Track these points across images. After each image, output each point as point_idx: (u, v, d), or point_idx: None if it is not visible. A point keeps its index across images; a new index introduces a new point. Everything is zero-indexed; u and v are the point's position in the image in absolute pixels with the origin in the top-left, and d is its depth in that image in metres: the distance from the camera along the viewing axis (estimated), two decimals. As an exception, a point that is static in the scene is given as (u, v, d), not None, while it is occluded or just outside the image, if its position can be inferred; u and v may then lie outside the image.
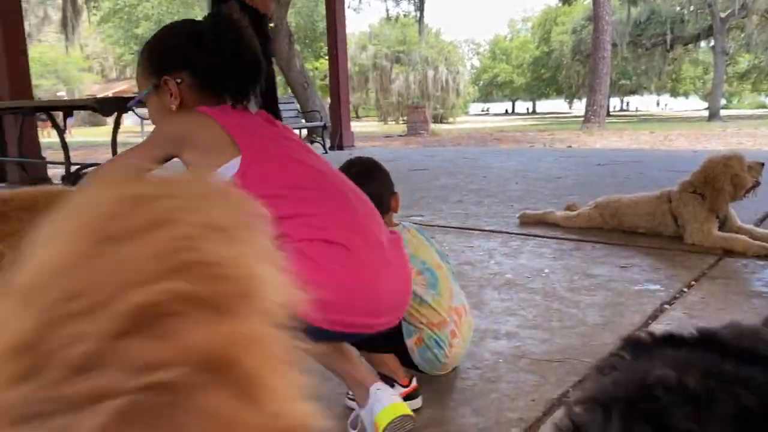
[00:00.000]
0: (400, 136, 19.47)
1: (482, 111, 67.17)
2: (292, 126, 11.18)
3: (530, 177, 6.46)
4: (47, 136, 14.03)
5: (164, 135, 1.49)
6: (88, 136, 21.39)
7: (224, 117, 1.48)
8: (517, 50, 52.82)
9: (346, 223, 1.41)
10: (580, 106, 36.00)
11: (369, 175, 1.82)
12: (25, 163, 6.55)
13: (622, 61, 32.87)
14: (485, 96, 61.13)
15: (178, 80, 1.49)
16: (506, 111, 64.78)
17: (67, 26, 19.18)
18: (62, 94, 25.46)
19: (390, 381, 1.71)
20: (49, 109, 4.75)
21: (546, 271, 3.02)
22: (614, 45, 24.92)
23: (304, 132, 11.65)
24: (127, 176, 0.40)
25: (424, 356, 1.71)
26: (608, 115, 28.66)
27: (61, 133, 4.74)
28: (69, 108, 4.74)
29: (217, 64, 1.49)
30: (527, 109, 63.43)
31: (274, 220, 1.02)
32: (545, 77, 47.50)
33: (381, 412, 1.46)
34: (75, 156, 6.44)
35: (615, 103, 50.20)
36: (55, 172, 7.13)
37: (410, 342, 1.70)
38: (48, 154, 7.99)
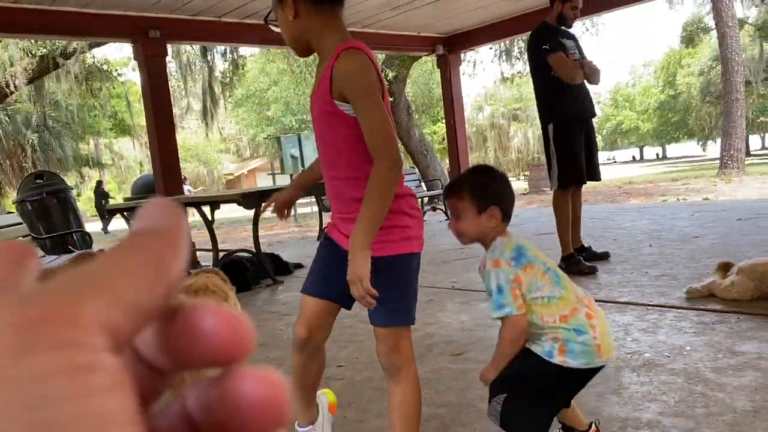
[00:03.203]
0: (523, 194, 19.30)
1: (608, 160, 64.99)
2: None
3: (665, 237, 6.22)
4: (191, 215, 15.33)
5: (372, 88, 1.70)
6: (225, 213, 22.99)
7: (372, 55, 1.74)
8: (641, 96, 51.18)
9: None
10: (715, 148, 34.01)
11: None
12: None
13: (759, 98, 30.84)
14: (609, 144, 59.33)
15: None
16: (633, 158, 62.32)
17: (207, 115, 20.97)
18: (186, 180, 27.52)
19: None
20: (199, 203, 5.28)
21: (687, 348, 2.91)
22: (748, 83, 23.53)
23: (426, 200, 11.90)
24: None
25: (575, 352, 1.72)
26: (748, 155, 26.83)
27: (209, 224, 5.23)
28: (216, 202, 5.25)
29: None
30: (656, 154, 60.74)
31: None
32: (673, 121, 45.49)
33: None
34: (218, 235, 7.03)
35: (755, 141, 46.89)
36: (203, 255, 7.77)
37: (557, 358, 1.72)
38: (194, 235, 8.75)
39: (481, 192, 1.84)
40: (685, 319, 3.41)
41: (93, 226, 17.46)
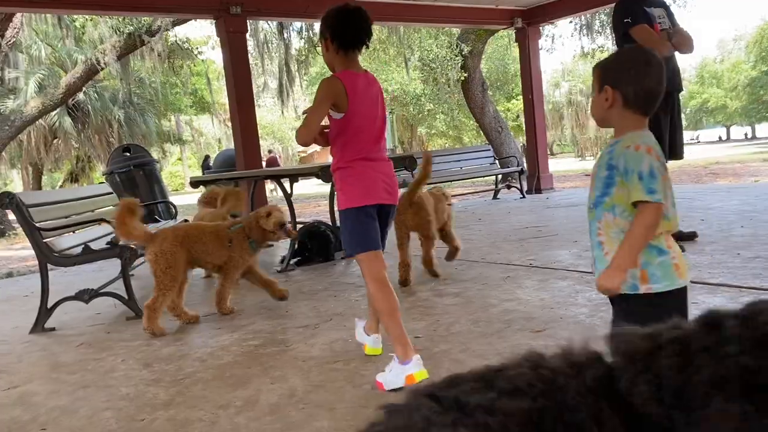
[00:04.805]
0: (601, 174, 18.65)
1: (692, 140, 62.30)
2: (488, 173, 11.30)
3: (758, 218, 5.87)
4: (270, 191, 15.66)
5: (320, 98, 2.59)
6: (300, 189, 23.39)
7: (349, 80, 2.57)
8: (730, 72, 48.47)
9: (361, 150, 2.65)
10: (811, 128, 31.87)
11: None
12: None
13: None
14: (694, 123, 56.72)
15: (330, 39, 2.65)
16: (719, 138, 59.29)
17: (283, 92, 21.27)
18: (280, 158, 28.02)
19: None
20: (279, 177, 5.36)
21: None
22: None
23: (500, 177, 11.71)
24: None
25: (656, 276, 1.75)
26: None
27: (288, 197, 5.32)
28: (295, 175, 5.33)
29: (341, 30, 2.63)
30: (745, 134, 57.53)
31: (337, 148, 2.80)
32: (765, 99, 42.93)
33: (418, 372, 2.48)
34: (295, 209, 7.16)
35: None
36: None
37: (641, 288, 1.75)
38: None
39: (605, 70, 1.83)
40: (785, 302, 3.20)
41: (176, 198, 18.05)
